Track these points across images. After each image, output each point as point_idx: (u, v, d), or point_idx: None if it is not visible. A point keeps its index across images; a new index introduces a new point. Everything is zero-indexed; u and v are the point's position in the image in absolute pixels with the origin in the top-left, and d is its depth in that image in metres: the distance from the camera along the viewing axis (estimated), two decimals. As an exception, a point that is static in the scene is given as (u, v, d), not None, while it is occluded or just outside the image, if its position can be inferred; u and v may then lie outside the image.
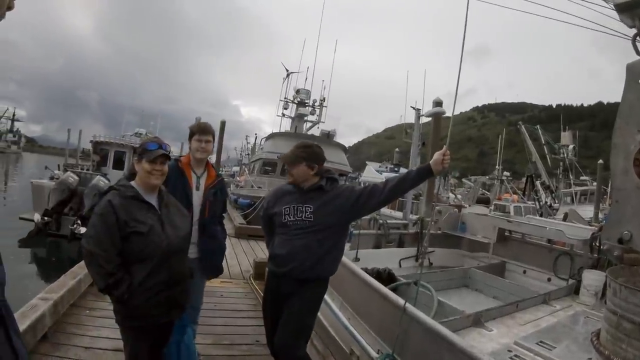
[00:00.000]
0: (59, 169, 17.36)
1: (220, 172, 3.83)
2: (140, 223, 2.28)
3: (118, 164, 18.89)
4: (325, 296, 3.22)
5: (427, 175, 2.76)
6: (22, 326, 3.18)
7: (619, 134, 1.56)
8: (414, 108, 10.22)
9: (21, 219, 12.60)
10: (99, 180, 11.83)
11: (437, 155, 2.65)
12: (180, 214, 2.58)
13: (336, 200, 2.84)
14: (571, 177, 31.35)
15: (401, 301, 2.96)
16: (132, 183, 2.43)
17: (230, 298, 5.67)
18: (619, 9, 1.57)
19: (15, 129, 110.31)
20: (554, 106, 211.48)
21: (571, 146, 32.89)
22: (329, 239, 2.84)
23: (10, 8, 0.74)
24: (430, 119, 9.63)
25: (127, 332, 2.43)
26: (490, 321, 4.00)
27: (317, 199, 2.84)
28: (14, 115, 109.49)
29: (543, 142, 35.92)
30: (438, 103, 8.94)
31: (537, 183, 32.24)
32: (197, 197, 3.16)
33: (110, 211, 2.22)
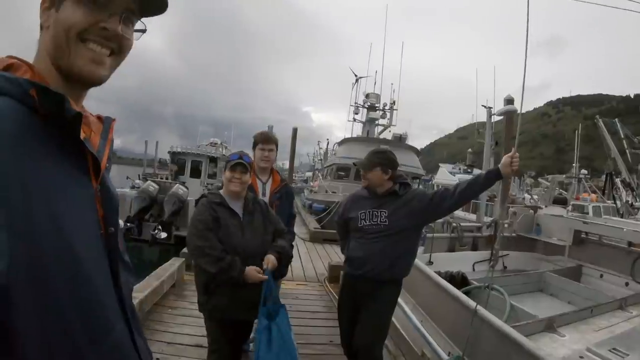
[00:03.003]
0: (139, 179, 18.31)
1: (293, 177, 4.03)
2: (222, 227, 2.57)
3: (195, 173, 19.81)
4: (398, 298, 3.31)
5: (496, 178, 2.79)
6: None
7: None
8: (485, 107, 10.03)
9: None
10: (178, 189, 12.34)
11: (505, 157, 2.68)
12: (264, 221, 2.80)
13: (409, 204, 2.95)
14: (653, 173, 29.09)
15: (472, 304, 3.03)
16: (220, 192, 2.75)
17: (305, 300, 5.82)
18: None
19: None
20: (632, 96, 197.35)
21: (653, 139, 30.53)
22: (403, 242, 2.96)
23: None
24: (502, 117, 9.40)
25: (212, 325, 2.70)
26: (563, 326, 3.93)
27: (392, 203, 2.97)
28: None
29: (622, 136, 33.43)
30: (509, 101, 8.66)
31: (618, 181, 30.15)
32: None
33: (206, 213, 2.57)
